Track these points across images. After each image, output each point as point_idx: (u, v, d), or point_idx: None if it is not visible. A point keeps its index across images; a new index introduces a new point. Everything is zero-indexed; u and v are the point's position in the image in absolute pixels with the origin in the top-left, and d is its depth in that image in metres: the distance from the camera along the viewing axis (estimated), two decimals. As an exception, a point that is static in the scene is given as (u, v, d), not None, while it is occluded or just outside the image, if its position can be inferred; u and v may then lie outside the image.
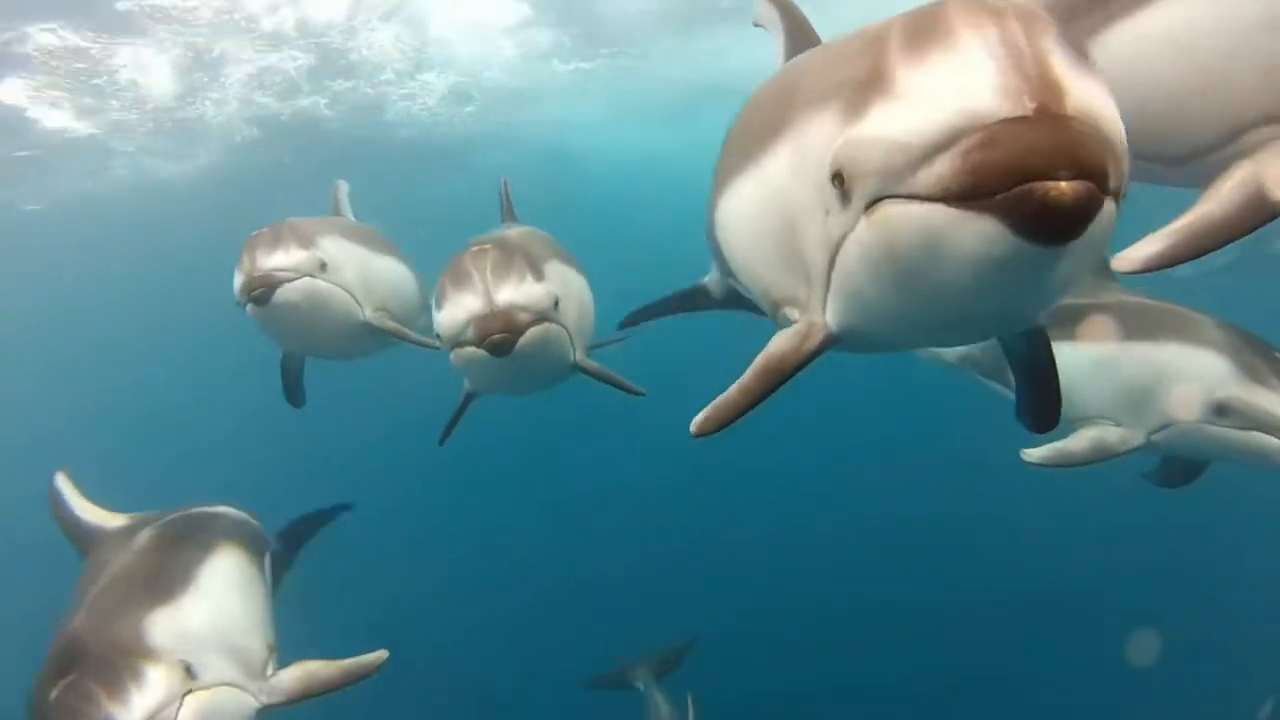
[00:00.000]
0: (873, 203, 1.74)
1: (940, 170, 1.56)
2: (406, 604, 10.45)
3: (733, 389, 2.34)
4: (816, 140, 1.98)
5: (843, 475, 12.56)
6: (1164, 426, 4.10)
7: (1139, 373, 4.17)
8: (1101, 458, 4.19)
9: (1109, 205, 1.57)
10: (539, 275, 3.80)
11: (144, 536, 3.79)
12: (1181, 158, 2.55)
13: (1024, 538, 9.60)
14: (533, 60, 14.73)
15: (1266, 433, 3.82)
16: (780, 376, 2.32)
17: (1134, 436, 4.18)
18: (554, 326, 3.84)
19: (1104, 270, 4.78)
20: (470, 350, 3.69)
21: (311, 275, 4.60)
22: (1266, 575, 8.86)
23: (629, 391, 4.49)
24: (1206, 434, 3.98)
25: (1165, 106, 2.51)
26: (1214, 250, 2.17)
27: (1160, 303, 4.36)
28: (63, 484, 4.17)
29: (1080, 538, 9.26)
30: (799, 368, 2.31)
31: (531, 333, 3.67)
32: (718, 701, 6.99)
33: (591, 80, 15.73)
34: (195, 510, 4.30)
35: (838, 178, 1.81)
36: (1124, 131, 1.59)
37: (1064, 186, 1.43)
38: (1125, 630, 7.86)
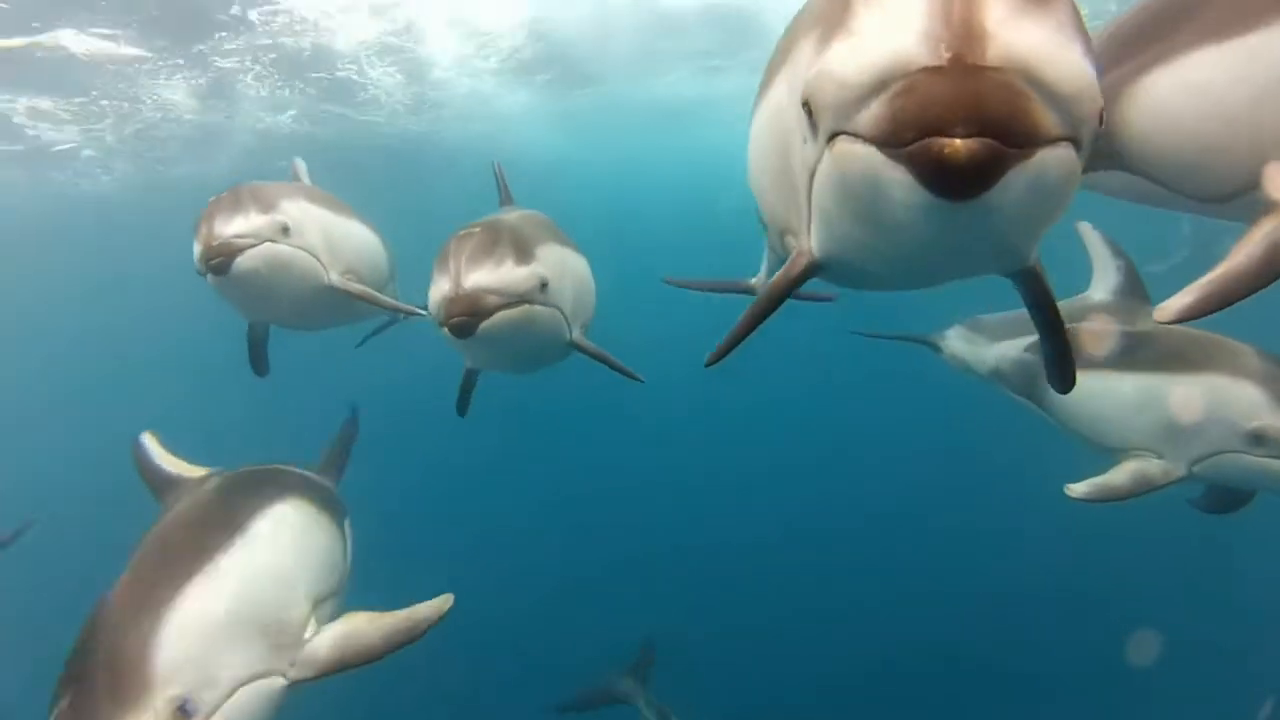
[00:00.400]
0: (833, 136, 1.70)
1: (875, 113, 1.54)
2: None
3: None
4: (801, 66, 1.95)
5: (847, 476, 12.43)
6: (1204, 458, 4.02)
7: (1177, 404, 4.09)
8: (1144, 490, 4.10)
9: (1048, 155, 1.49)
10: (523, 258, 3.74)
11: (210, 485, 3.69)
12: (1220, 197, 2.70)
13: (1024, 538, 9.48)
14: (521, 95, 16.39)
15: None
16: (771, 302, 2.40)
17: (1175, 468, 4.10)
18: (537, 308, 3.79)
19: (1142, 294, 4.74)
20: (445, 332, 3.70)
21: (273, 240, 4.34)
22: (1267, 575, 8.75)
23: (626, 375, 4.37)
24: (1244, 464, 3.90)
25: (1200, 149, 2.70)
26: (1242, 299, 2.30)
27: (1200, 332, 4.26)
28: (149, 442, 4.05)
29: (1080, 539, 9.09)
30: (786, 292, 2.37)
31: (502, 315, 3.64)
32: (719, 704, 6.89)
33: (572, 109, 17.73)
34: (275, 466, 4.19)
35: (807, 106, 1.77)
36: (1082, 76, 1.50)
37: (958, 144, 1.38)
38: (1125, 631, 7.70)
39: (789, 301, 2.45)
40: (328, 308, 5.00)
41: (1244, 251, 2.34)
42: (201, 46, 12.25)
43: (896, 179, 1.54)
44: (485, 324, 3.60)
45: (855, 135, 1.60)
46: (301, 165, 5.94)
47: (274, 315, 5.15)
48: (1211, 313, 2.29)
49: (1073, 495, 4.06)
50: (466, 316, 3.56)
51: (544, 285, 3.80)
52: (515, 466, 13.45)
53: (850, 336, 6.58)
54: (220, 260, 4.18)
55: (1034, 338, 4.76)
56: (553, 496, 13.09)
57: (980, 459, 11.07)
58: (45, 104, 13.33)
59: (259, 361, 5.50)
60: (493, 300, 3.60)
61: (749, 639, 9.83)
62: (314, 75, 14.12)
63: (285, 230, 4.39)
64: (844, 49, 1.61)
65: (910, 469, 12.04)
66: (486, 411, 5.22)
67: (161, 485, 3.83)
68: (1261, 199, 2.46)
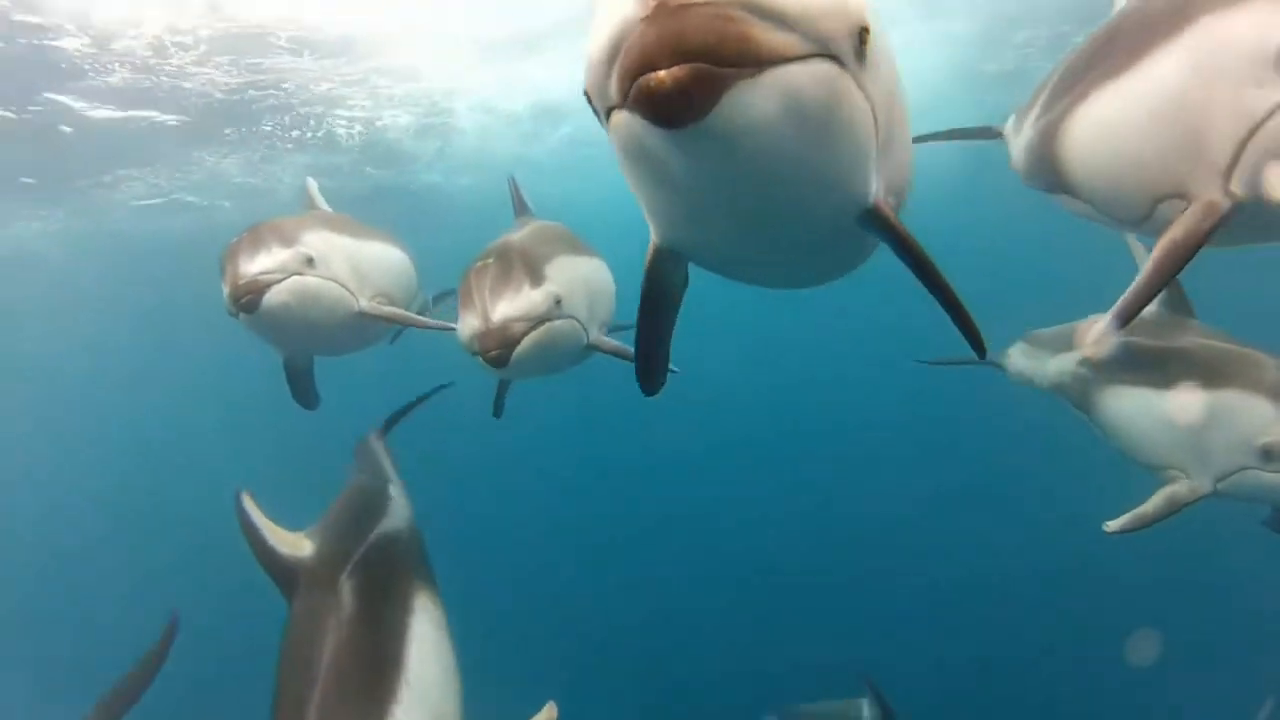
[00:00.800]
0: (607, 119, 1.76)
1: (615, 78, 1.59)
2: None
3: None
4: None
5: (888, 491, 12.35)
6: (1226, 475, 4.02)
7: (1194, 420, 4.11)
8: (1174, 510, 4.13)
9: (793, 70, 1.50)
10: (536, 280, 3.88)
11: (344, 590, 3.56)
12: (1135, 222, 2.96)
13: (1025, 538, 9.48)
14: (532, 150, 18.15)
15: None
16: (642, 307, 2.52)
17: (1201, 486, 4.11)
18: (556, 324, 3.92)
19: (1184, 307, 4.76)
20: (480, 360, 3.88)
21: (299, 273, 4.33)
22: (1267, 575, 8.57)
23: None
24: (1263, 481, 3.89)
25: (1110, 179, 3.00)
26: (1143, 309, 2.66)
27: (1227, 345, 4.32)
28: (250, 508, 3.73)
29: (1080, 538, 9.13)
30: (649, 291, 2.45)
31: (529, 339, 3.78)
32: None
33: (566, 154, 19.13)
34: (377, 536, 4.00)
35: (587, 99, 1.84)
36: None
37: (661, 74, 1.42)
38: (1125, 630, 7.67)
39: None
40: (360, 332, 4.99)
41: (1137, 279, 2.67)
42: (254, 136, 13.93)
43: (638, 127, 1.60)
44: (516, 351, 3.74)
45: (617, 107, 1.66)
46: (313, 184, 5.82)
47: (310, 346, 5.12)
48: (1122, 328, 2.66)
49: (1111, 531, 4.09)
50: (499, 349, 3.71)
51: (558, 300, 3.90)
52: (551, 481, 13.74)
53: (887, 360, 6.57)
54: (249, 298, 4.16)
55: (1091, 370, 4.81)
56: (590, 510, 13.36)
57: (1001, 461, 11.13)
58: (123, 172, 15.03)
59: (305, 395, 5.39)
60: (518, 328, 3.75)
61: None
62: (361, 159, 15.84)
63: (310, 261, 4.39)
64: (592, 31, 1.66)
65: (962, 487, 11.96)
66: (517, 423, 5.49)
67: (276, 569, 3.68)
68: (1160, 219, 2.75)
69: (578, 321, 4.16)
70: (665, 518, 13.10)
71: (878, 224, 2.07)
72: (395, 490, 4.60)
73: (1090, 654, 8.48)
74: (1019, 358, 5.73)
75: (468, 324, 3.83)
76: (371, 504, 4.31)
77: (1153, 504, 4.15)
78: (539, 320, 3.83)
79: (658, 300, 2.49)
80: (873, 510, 11.95)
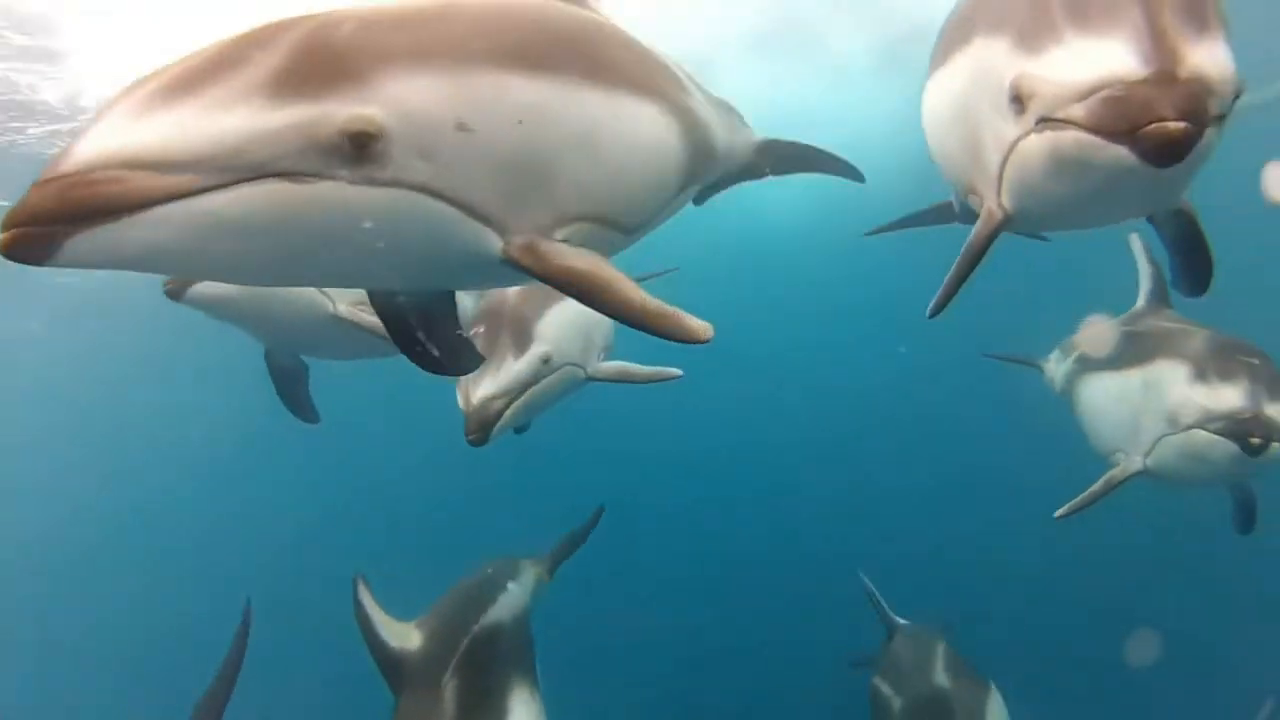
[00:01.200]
0: None
1: None
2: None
3: None
4: None
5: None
6: (1150, 448, 4.12)
7: (1128, 396, 4.27)
8: (1110, 489, 4.28)
9: (179, 207, 1.49)
10: (521, 345, 3.74)
11: (446, 701, 3.67)
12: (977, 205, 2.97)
13: (1026, 537, 9.43)
14: None
15: (1204, 429, 3.82)
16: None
17: (1133, 463, 4.24)
18: (542, 384, 3.81)
19: (1165, 298, 4.87)
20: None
21: None
22: (1267, 575, 8.54)
23: (657, 380, 4.25)
24: (1174, 446, 4.02)
25: (943, 164, 3.09)
26: (964, 281, 2.67)
27: (1172, 325, 4.41)
28: (365, 597, 3.75)
29: (1081, 538, 9.13)
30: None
31: (510, 411, 3.64)
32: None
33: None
34: (480, 629, 4.02)
35: None
36: (201, 139, 1.49)
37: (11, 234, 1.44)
38: (1125, 630, 7.63)
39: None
40: (349, 338, 4.58)
41: (949, 273, 2.70)
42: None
43: None
44: (499, 425, 3.58)
45: None
46: None
47: (285, 342, 4.88)
48: (950, 299, 2.67)
49: (1059, 516, 4.23)
50: (477, 433, 3.54)
51: (547, 359, 3.77)
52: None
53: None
54: (173, 287, 3.87)
55: (1074, 364, 4.97)
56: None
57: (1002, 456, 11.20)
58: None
59: (294, 399, 5.15)
60: (497, 405, 3.57)
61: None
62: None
63: None
64: None
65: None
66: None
67: (384, 659, 3.74)
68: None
69: (572, 364, 4.08)
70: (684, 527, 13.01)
71: (516, 266, 1.93)
72: (513, 585, 4.52)
73: (1090, 655, 8.40)
74: (1052, 364, 5.72)
75: (458, 398, 3.70)
76: (480, 596, 4.30)
77: (1093, 487, 4.29)
78: (523, 388, 3.71)
79: (389, 324, 2.45)
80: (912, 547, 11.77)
